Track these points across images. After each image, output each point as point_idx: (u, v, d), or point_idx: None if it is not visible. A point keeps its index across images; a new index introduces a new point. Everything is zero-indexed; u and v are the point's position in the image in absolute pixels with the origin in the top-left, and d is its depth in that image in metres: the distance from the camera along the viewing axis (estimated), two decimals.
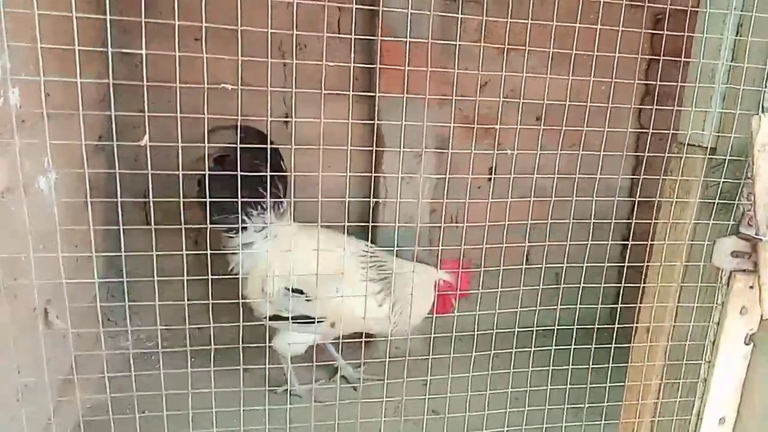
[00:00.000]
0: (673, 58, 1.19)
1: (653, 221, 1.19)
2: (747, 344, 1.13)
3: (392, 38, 2.36)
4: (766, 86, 1.01)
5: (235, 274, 1.99)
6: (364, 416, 1.22)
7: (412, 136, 2.39)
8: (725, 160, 1.08)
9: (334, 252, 1.80)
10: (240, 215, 1.95)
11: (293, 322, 1.97)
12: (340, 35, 2.57)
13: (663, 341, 1.21)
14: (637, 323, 1.26)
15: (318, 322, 1.92)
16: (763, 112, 1.02)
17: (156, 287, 1.10)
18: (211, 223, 1.85)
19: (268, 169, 1.73)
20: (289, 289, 1.91)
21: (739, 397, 1.15)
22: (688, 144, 1.12)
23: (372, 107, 2.60)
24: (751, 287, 1.09)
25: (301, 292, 1.93)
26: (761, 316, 1.08)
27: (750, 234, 1.05)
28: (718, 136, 1.09)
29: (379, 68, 2.55)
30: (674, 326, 1.20)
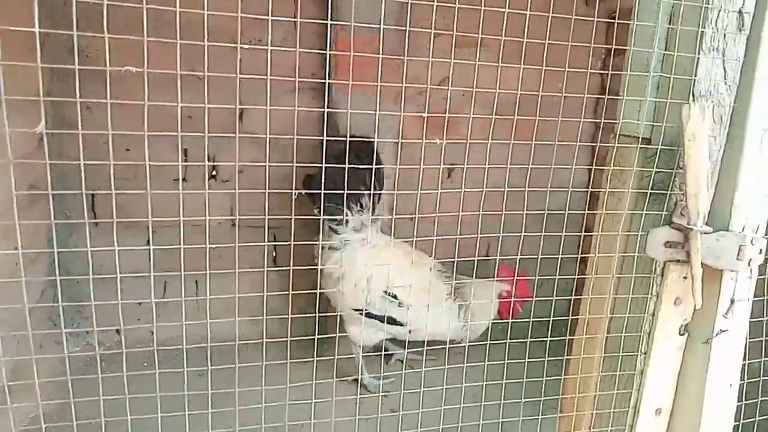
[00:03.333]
0: (622, 47, 1.18)
1: (587, 212, 1.18)
2: (681, 335, 1.12)
3: (342, 22, 2.34)
4: (696, 75, 1.01)
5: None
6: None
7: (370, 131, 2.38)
8: (658, 150, 1.07)
9: (424, 268, 2.11)
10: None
11: (381, 322, 2.18)
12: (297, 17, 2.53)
13: (601, 333, 1.20)
14: (577, 316, 1.25)
15: (401, 324, 2.16)
16: (693, 100, 1.02)
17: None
18: (318, 213, 2.10)
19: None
20: (387, 293, 2.16)
21: (674, 388, 1.15)
22: (623, 135, 1.11)
23: (330, 99, 2.57)
24: (685, 278, 1.08)
25: (395, 297, 2.17)
26: (695, 307, 1.08)
27: (682, 224, 1.04)
28: (653, 126, 1.08)
29: (337, 62, 2.52)
30: (612, 318, 1.19)
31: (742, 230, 1.05)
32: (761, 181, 1.05)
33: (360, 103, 2.33)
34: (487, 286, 2.26)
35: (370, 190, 2.17)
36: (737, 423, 1.14)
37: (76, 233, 2.44)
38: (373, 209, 2.26)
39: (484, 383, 1.16)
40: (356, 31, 2.37)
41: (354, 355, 2.35)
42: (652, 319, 1.11)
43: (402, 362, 2.51)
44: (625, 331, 1.16)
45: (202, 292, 2.72)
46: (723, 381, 1.10)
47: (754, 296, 1.10)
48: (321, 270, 2.26)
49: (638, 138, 1.09)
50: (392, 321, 2.16)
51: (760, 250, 1.06)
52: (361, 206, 2.24)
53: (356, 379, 2.34)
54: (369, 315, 2.19)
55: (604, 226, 1.19)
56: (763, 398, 1.28)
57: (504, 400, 1.20)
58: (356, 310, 2.21)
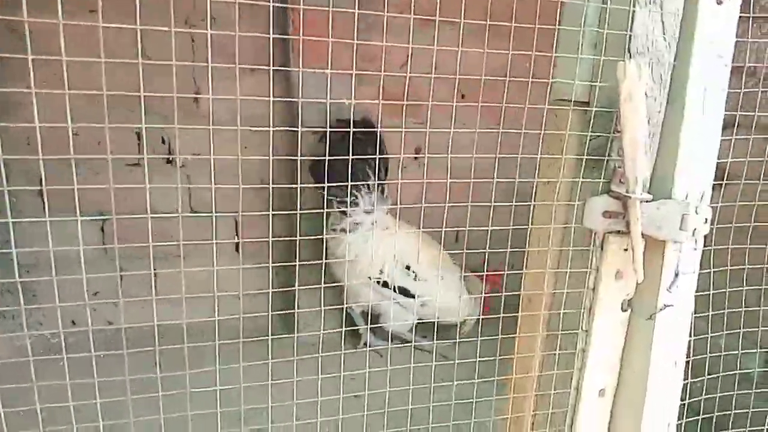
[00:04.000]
0: None
1: (517, 180, 1.11)
2: (624, 310, 1.06)
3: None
4: (632, 30, 0.94)
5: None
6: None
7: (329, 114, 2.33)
8: (594, 113, 1.00)
9: (433, 248, 2.27)
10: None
11: (399, 293, 2.34)
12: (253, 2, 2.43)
13: (542, 310, 1.13)
14: (518, 292, 1.18)
15: (413, 296, 2.31)
16: (629, 58, 0.94)
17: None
18: (328, 200, 2.16)
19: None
20: (407, 267, 2.31)
21: (618, 367, 1.09)
22: (558, 99, 1.04)
23: (288, 82, 2.49)
24: (626, 249, 1.02)
25: (408, 269, 2.34)
26: (637, 281, 1.01)
27: (621, 192, 0.98)
28: (590, 87, 1.01)
29: (295, 41, 2.43)
30: (554, 294, 1.12)
31: (686, 198, 0.99)
32: (704, 145, 0.98)
33: (320, 84, 2.24)
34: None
35: (375, 172, 2.24)
36: (684, 402, 1.08)
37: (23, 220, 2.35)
38: (382, 190, 2.32)
39: (412, 365, 1.08)
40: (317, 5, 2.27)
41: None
42: (592, 294, 1.05)
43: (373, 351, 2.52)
44: (566, 307, 1.10)
45: (161, 279, 2.64)
46: (668, 358, 1.04)
47: (700, 269, 1.03)
48: (329, 251, 2.35)
49: (576, 101, 1.02)
50: (405, 292, 2.34)
51: (705, 219, 0.99)
52: (368, 188, 2.29)
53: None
54: (385, 285, 2.33)
55: (541, 196, 1.12)
56: (710, 375, 1.22)
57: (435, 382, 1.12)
58: (372, 279, 2.34)
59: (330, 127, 2.26)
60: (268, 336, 0.96)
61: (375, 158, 2.28)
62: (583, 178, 1.03)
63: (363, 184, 2.26)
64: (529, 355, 1.16)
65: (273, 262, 2.78)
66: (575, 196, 1.06)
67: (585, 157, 1.01)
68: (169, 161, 2.55)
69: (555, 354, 1.12)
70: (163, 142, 2.53)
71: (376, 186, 2.29)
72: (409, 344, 2.50)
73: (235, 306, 2.67)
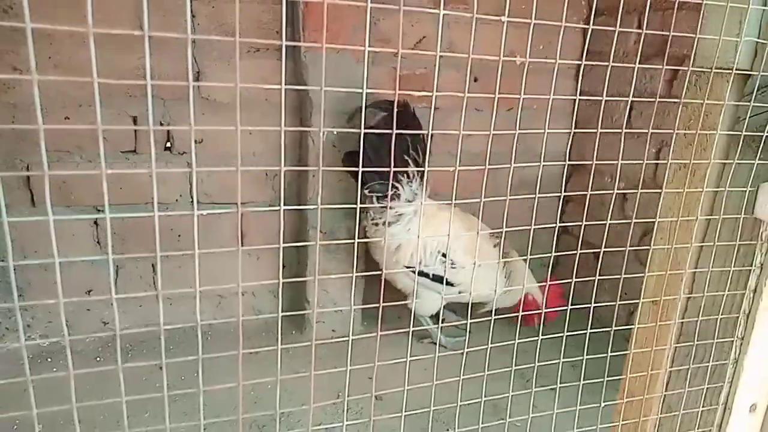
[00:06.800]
0: None
1: (663, 162, 0.94)
2: None
3: None
4: None
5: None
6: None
7: (344, 97, 2.14)
8: (757, 82, 0.84)
9: (473, 233, 2.08)
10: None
11: (434, 281, 2.15)
12: None
13: (674, 317, 0.97)
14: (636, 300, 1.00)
15: (450, 285, 2.14)
16: None
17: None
18: (363, 192, 2.00)
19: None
20: (442, 254, 2.12)
21: None
22: (703, 69, 0.87)
23: (296, 63, 2.27)
24: None
25: (444, 256, 2.14)
26: None
27: None
28: (756, 50, 0.85)
29: (305, 20, 2.21)
30: (690, 298, 0.96)
31: None
32: None
33: (335, 65, 2.04)
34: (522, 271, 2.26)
35: (414, 158, 2.05)
36: None
37: (9, 213, 2.09)
38: (421, 177, 2.13)
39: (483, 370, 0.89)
40: None
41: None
42: (752, 296, 0.89)
43: (435, 344, 2.32)
44: (704, 313, 0.94)
45: (163, 277, 2.41)
46: None
47: None
48: (370, 244, 2.24)
49: (735, 70, 0.85)
50: (440, 280, 2.15)
51: None
52: (409, 176, 2.09)
53: (433, 342, 2.30)
54: (421, 274, 2.16)
55: (675, 182, 0.95)
56: None
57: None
58: (409, 267, 2.17)
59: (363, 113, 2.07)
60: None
61: (425, 137, 2.08)
62: (737, 160, 0.87)
63: (402, 174, 2.04)
64: (654, 372, 0.99)
65: (283, 256, 2.58)
66: (722, 181, 0.90)
67: (743, 133, 0.85)
68: (167, 148, 2.30)
69: (688, 368, 0.96)
70: (161, 126, 2.29)
71: (416, 174, 2.08)
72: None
73: (241, 304, 2.45)
